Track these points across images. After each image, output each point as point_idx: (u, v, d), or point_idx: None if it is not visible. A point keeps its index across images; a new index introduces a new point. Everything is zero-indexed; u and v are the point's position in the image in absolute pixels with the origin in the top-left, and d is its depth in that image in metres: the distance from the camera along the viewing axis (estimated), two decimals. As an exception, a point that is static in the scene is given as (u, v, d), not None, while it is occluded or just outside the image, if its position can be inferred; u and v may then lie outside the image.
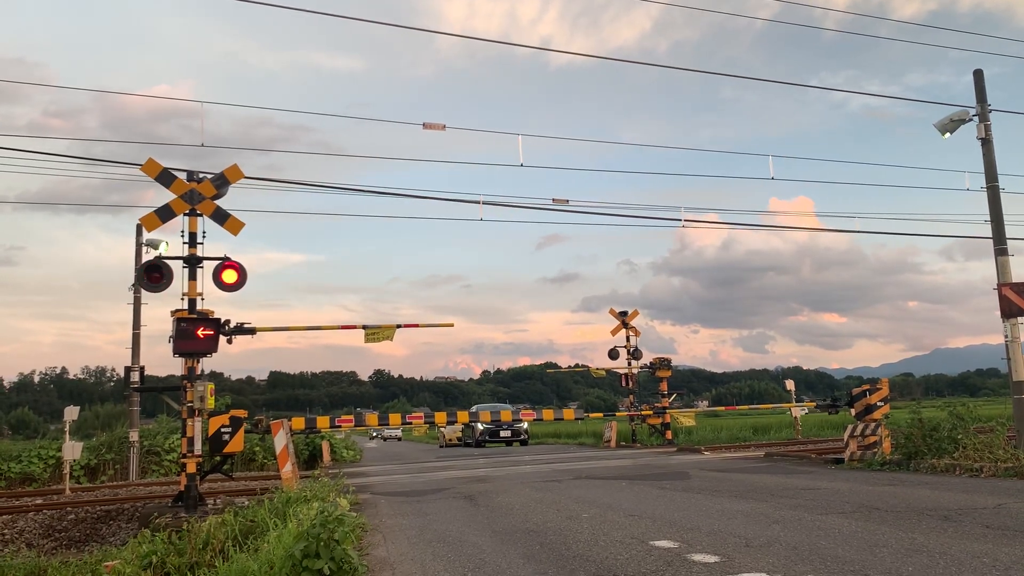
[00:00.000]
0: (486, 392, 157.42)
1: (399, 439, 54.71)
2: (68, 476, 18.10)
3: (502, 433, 30.92)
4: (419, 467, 19.63)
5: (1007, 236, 15.36)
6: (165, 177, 11.21)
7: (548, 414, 16.95)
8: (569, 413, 15.76)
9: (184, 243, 11.46)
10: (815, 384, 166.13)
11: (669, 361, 25.14)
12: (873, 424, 13.93)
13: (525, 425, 31.62)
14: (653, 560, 5.90)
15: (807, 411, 29.65)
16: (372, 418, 20.19)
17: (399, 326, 13.93)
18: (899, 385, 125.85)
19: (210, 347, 11.11)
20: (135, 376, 19.79)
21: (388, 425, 15.07)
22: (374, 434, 71.38)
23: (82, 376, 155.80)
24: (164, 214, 11.15)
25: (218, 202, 11.50)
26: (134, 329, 23.10)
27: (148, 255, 21.38)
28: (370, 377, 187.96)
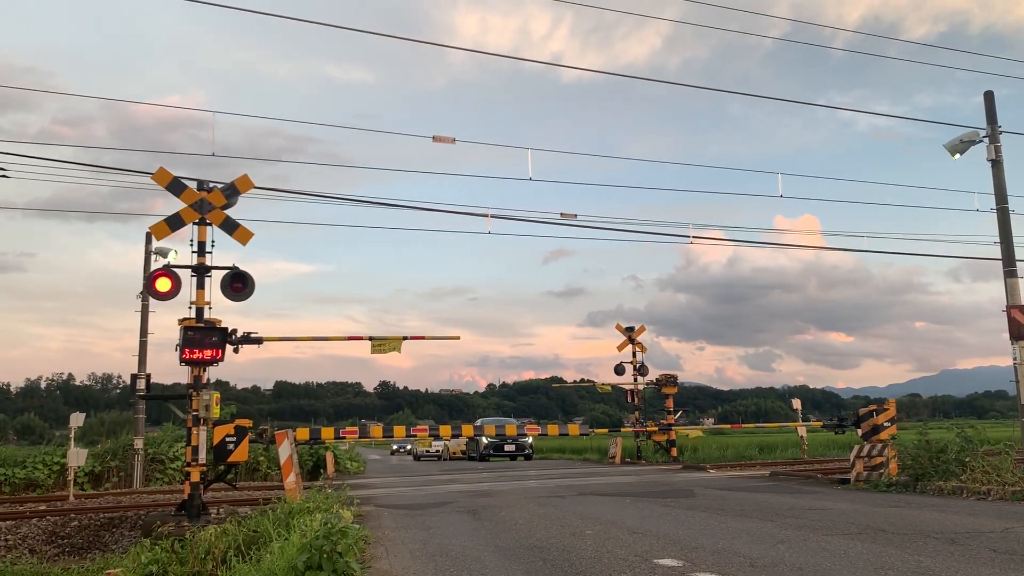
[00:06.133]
0: (491, 405, 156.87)
1: (439, 456, 38.11)
2: (72, 483, 18.11)
3: (506, 447, 30.83)
4: (423, 480, 19.59)
5: (1016, 258, 15.33)
6: (176, 186, 11.27)
7: (553, 429, 16.91)
8: (574, 428, 15.71)
9: (193, 252, 11.50)
10: (822, 403, 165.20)
11: (675, 378, 25.06)
12: (880, 445, 13.85)
13: (530, 440, 31.53)
14: (656, 578, 5.87)
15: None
16: (376, 430, 20.15)
17: (406, 338, 13.94)
18: (906, 406, 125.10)
19: (216, 356, 11.13)
20: (141, 384, 19.85)
21: (415, 437, 15.01)
22: (396, 447, 60.69)
23: (88, 383, 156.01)
24: (174, 223, 11.21)
25: (227, 212, 11.55)
26: (141, 337, 23.16)
27: (157, 263, 21.50)
28: (375, 388, 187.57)
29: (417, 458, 39.27)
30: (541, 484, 16.00)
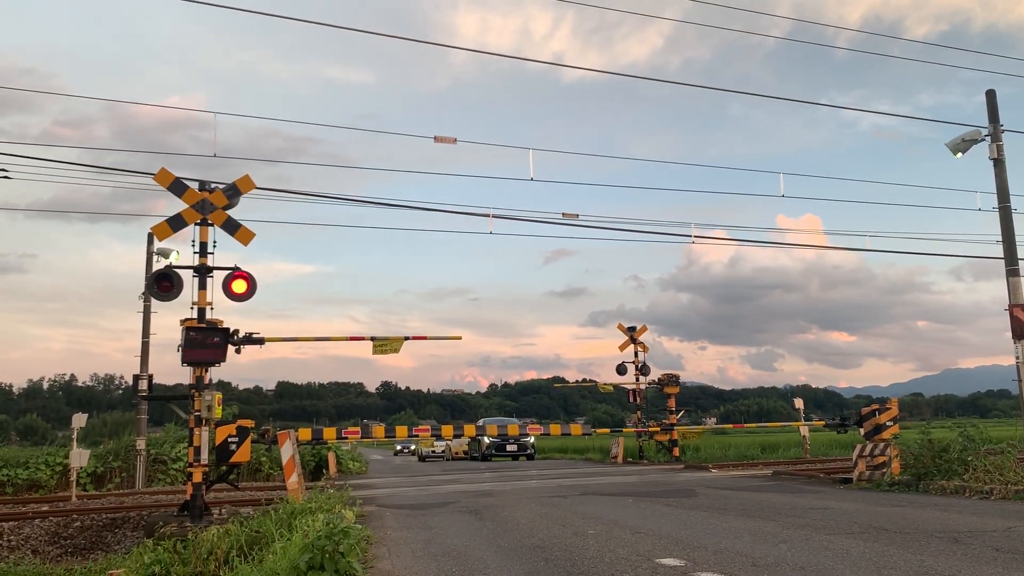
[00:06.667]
0: (493, 406, 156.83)
1: (444, 456, 37.78)
2: (75, 483, 18.13)
3: (508, 447, 30.84)
4: (425, 480, 19.60)
5: (1019, 256, 15.32)
6: (177, 187, 11.27)
7: (555, 429, 16.93)
8: (576, 428, 15.72)
9: (195, 253, 11.50)
10: (824, 403, 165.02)
11: (677, 377, 25.05)
12: (882, 444, 13.83)
13: (532, 439, 31.54)
14: (659, 578, 5.86)
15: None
16: (379, 430, 20.18)
17: (407, 338, 13.94)
18: (908, 405, 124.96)
19: (218, 357, 11.13)
20: (143, 384, 19.89)
21: (417, 437, 15.01)
22: (400, 448, 60.81)
23: (91, 383, 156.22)
24: (176, 224, 11.20)
25: (229, 212, 11.55)
26: (143, 337, 23.17)
27: (159, 264, 21.50)
28: (377, 389, 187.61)
29: (422, 459, 38.94)
30: (543, 484, 15.99)
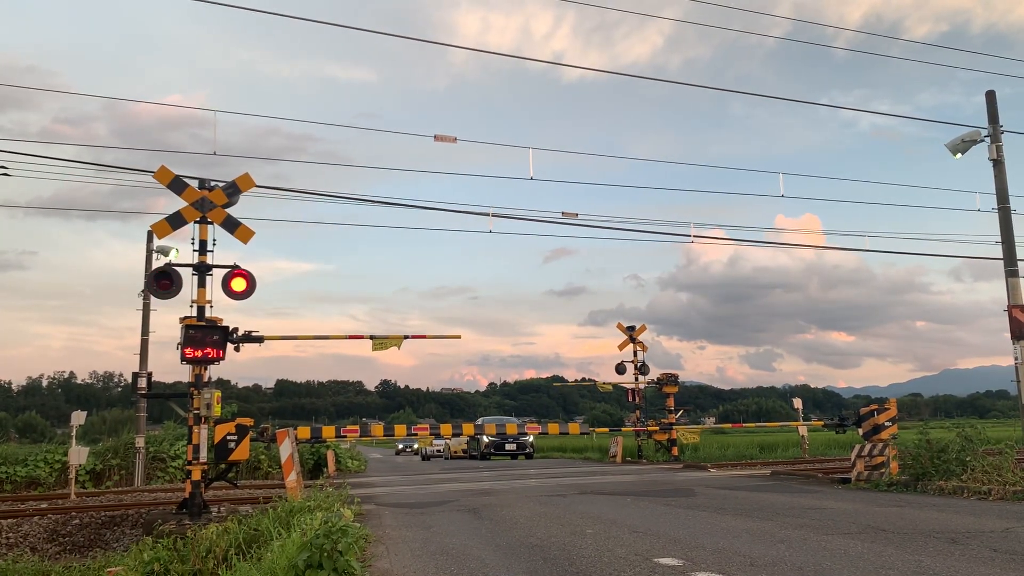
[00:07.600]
0: (492, 404, 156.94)
1: (445, 456, 37.45)
2: (74, 481, 18.13)
3: (507, 446, 30.86)
4: (424, 479, 19.60)
5: (1018, 257, 15.34)
6: (177, 185, 11.28)
7: (554, 428, 16.95)
8: (575, 427, 15.75)
9: (194, 251, 11.50)
10: (823, 403, 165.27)
11: (676, 377, 25.04)
12: (881, 444, 13.84)
13: (530, 438, 31.54)
14: (657, 577, 5.86)
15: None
16: (377, 428, 20.18)
17: (407, 337, 13.95)
18: (907, 405, 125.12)
19: (217, 355, 11.13)
20: (143, 382, 19.90)
21: (415, 436, 15.03)
22: (402, 446, 61.32)
23: (90, 381, 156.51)
24: (175, 221, 11.21)
25: (229, 210, 11.55)
26: (143, 335, 23.18)
27: (158, 262, 21.51)
28: (376, 387, 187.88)
29: (425, 458, 38.83)
30: (542, 483, 15.99)
